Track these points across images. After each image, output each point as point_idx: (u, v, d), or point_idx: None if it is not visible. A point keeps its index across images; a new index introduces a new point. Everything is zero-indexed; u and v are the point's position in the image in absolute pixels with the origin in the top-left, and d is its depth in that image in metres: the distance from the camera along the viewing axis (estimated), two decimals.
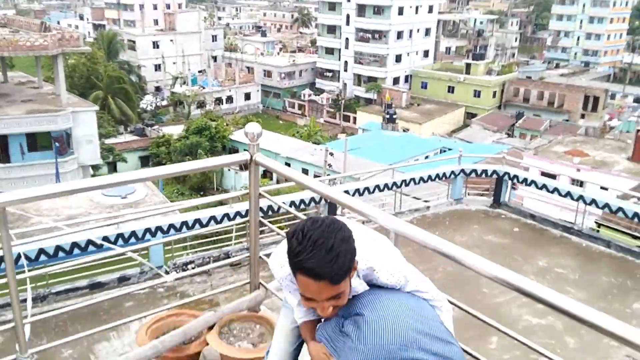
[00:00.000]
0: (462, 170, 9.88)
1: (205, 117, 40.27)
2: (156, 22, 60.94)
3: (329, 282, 1.63)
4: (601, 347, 5.97)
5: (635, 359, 5.81)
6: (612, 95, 53.31)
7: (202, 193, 31.33)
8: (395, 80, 54.60)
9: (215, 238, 11.86)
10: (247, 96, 53.96)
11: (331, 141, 38.40)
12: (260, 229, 3.48)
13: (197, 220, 7.74)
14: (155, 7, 63.49)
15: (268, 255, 3.23)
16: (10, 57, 31.10)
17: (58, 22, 59.06)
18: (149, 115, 45.89)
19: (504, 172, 9.66)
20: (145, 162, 37.11)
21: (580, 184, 9.42)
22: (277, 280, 1.93)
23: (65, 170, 24.33)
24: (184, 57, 51.85)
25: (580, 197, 8.73)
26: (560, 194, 9.02)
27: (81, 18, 78.16)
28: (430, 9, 57.49)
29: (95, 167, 28.84)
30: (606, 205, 8.57)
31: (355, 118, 50.94)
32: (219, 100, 50.87)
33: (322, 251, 1.59)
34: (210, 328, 2.83)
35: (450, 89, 53.22)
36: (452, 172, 9.90)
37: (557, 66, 71.85)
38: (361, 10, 53.51)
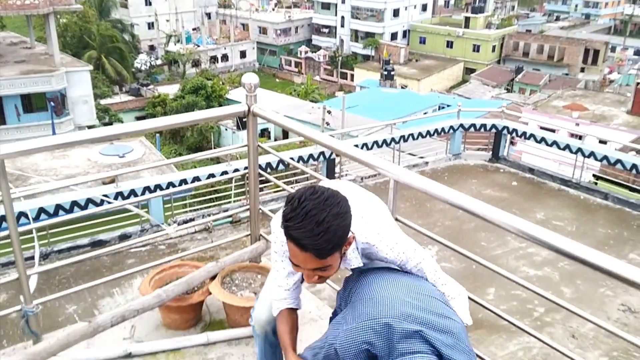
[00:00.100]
0: (461, 125, 9.84)
1: (200, 76, 39.74)
2: None
3: (314, 255, 1.63)
4: (596, 297, 6.08)
5: (629, 307, 5.93)
6: (613, 48, 52.56)
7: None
8: (393, 36, 53.68)
9: (214, 196, 11.91)
10: (243, 54, 53.13)
11: (329, 99, 38.04)
12: (260, 186, 3.47)
13: (196, 178, 7.74)
14: None
15: (269, 211, 3.25)
16: (0, 17, 30.37)
17: None
18: (143, 74, 45.28)
19: (503, 126, 9.62)
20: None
21: (579, 138, 9.37)
22: (273, 243, 1.90)
23: (61, 131, 24.17)
24: (177, 15, 50.76)
25: (579, 150, 8.73)
26: (559, 147, 9.02)
27: None
28: None
29: (92, 128, 28.69)
30: (605, 157, 8.58)
31: (352, 75, 50.32)
32: (214, 59, 50.10)
33: (311, 223, 1.58)
34: (213, 278, 2.86)
35: (449, 44, 52.42)
36: (451, 126, 9.85)
37: (557, 19, 70.57)
38: None
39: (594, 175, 11.40)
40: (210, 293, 2.78)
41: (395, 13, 53.63)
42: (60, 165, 15.20)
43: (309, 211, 1.58)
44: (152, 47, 50.56)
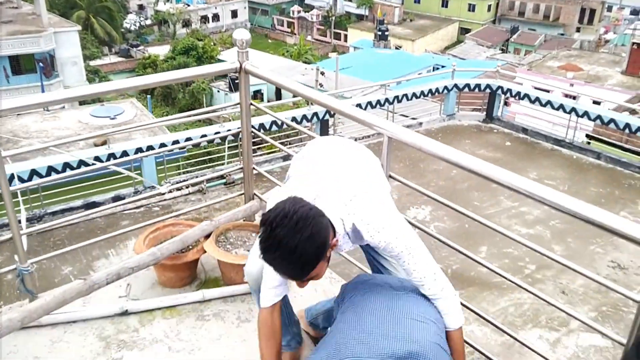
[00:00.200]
0: (455, 85, 9.76)
1: (191, 37, 39.04)
2: None
3: (293, 279, 1.68)
4: (587, 254, 6.17)
5: (619, 264, 6.03)
6: (609, 8, 51.87)
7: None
8: None
9: (208, 158, 11.86)
10: (234, 14, 52.07)
11: (322, 60, 37.55)
12: (253, 148, 3.44)
13: (189, 139, 7.69)
14: None
15: (263, 172, 3.22)
16: None
17: None
18: (133, 35, 44.41)
19: (497, 87, 9.56)
20: None
21: (573, 98, 9.34)
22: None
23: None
24: None
25: (573, 110, 8.71)
26: (552, 107, 8.99)
27: None
28: None
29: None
30: (598, 117, 8.57)
31: (346, 36, 49.56)
32: (204, 19, 49.13)
33: (285, 252, 1.57)
34: (207, 237, 2.86)
35: (444, 3, 51.54)
36: (445, 87, 9.78)
37: None
38: None
39: (587, 136, 11.42)
40: (205, 251, 2.79)
41: None
42: (51, 127, 15.05)
43: (281, 240, 1.56)
44: (141, 7, 49.42)
